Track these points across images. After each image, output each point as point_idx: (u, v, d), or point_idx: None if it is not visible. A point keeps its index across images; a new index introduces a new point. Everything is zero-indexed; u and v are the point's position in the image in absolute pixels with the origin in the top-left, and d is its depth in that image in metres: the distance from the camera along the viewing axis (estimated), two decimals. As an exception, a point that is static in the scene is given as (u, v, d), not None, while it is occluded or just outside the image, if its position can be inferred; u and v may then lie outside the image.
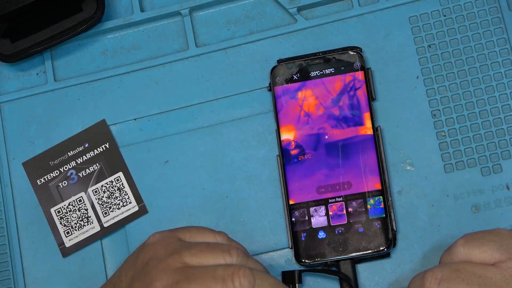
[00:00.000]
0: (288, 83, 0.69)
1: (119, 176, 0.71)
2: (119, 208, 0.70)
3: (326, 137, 0.67)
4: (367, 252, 0.65)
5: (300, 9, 0.72)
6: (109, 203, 0.70)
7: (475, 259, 0.56)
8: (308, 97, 0.68)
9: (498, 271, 0.55)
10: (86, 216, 0.70)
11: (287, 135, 0.68)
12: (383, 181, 0.66)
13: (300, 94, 0.69)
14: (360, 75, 0.68)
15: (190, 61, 0.73)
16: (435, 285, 0.55)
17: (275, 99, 0.69)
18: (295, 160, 0.67)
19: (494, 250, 0.55)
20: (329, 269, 0.65)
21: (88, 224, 0.70)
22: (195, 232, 0.61)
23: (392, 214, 0.66)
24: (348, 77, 0.68)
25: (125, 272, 0.59)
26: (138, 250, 0.60)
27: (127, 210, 0.70)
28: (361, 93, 0.68)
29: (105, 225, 0.70)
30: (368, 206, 0.65)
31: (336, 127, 0.67)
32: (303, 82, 0.69)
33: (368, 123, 0.67)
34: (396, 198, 0.67)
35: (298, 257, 0.66)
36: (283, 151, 0.68)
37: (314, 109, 0.68)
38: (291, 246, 0.66)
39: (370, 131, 0.67)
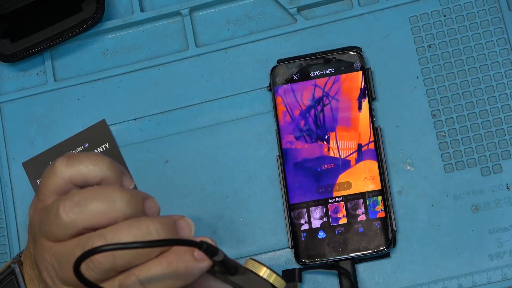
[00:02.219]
0: (288, 83, 0.69)
1: (119, 176, 0.71)
2: (119, 208, 0.70)
3: (326, 137, 0.67)
4: (367, 252, 0.65)
5: (300, 9, 0.72)
6: (109, 203, 0.70)
7: None
8: (308, 96, 0.68)
9: None
10: (86, 216, 0.70)
11: (287, 135, 0.68)
12: (383, 181, 0.66)
13: (300, 94, 0.69)
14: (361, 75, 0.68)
15: (190, 61, 0.73)
16: None
17: (275, 99, 0.69)
18: (295, 160, 0.67)
19: None
20: (328, 264, 0.65)
21: (88, 224, 0.70)
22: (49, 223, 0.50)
23: (392, 214, 0.66)
24: (348, 77, 0.68)
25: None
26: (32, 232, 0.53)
27: (127, 210, 0.70)
28: (362, 92, 0.68)
29: (105, 225, 0.70)
30: (368, 206, 0.65)
31: (335, 127, 0.67)
32: (303, 82, 0.69)
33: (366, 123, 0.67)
34: (396, 198, 0.67)
35: (298, 257, 0.66)
36: (283, 151, 0.68)
37: (313, 108, 0.68)
38: (291, 246, 0.66)
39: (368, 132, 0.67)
